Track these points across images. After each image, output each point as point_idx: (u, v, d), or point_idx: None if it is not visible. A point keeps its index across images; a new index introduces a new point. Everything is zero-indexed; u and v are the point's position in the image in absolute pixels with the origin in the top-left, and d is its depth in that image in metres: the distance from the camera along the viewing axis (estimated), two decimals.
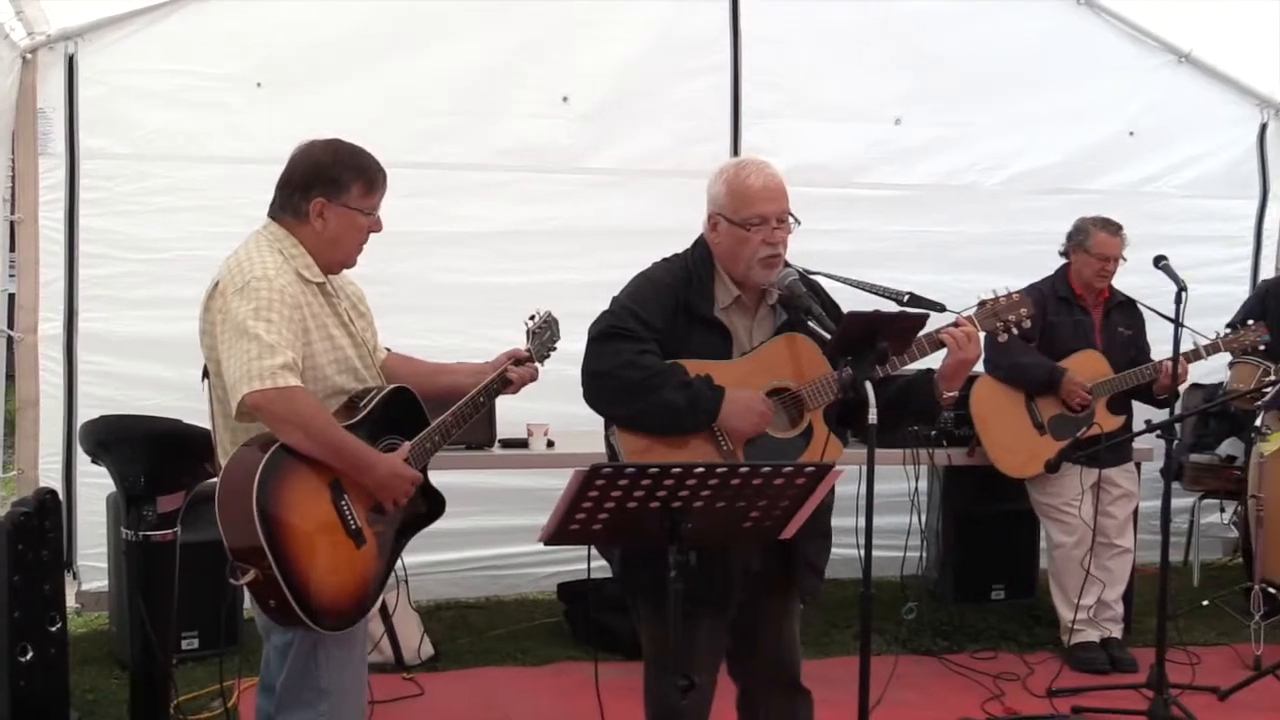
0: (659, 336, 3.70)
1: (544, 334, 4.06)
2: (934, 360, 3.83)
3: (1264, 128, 8.02)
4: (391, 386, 3.64)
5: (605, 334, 3.73)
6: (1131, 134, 7.73)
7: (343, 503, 3.42)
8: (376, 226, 3.65)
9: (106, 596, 5.95)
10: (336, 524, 3.40)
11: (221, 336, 3.38)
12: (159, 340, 6.07)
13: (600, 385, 3.70)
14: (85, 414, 5.72)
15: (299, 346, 3.38)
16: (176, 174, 6.25)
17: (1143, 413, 6.32)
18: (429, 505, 3.73)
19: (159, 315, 6.10)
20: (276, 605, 3.30)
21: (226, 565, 3.30)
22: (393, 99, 6.38)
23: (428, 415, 3.72)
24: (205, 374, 3.54)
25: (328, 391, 3.51)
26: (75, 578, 6.27)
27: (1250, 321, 6.33)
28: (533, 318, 4.08)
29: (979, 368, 6.22)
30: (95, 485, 5.89)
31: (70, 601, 5.88)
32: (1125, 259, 6.18)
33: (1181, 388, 6.35)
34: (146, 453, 4.75)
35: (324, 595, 3.34)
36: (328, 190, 3.53)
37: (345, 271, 3.80)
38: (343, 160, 3.57)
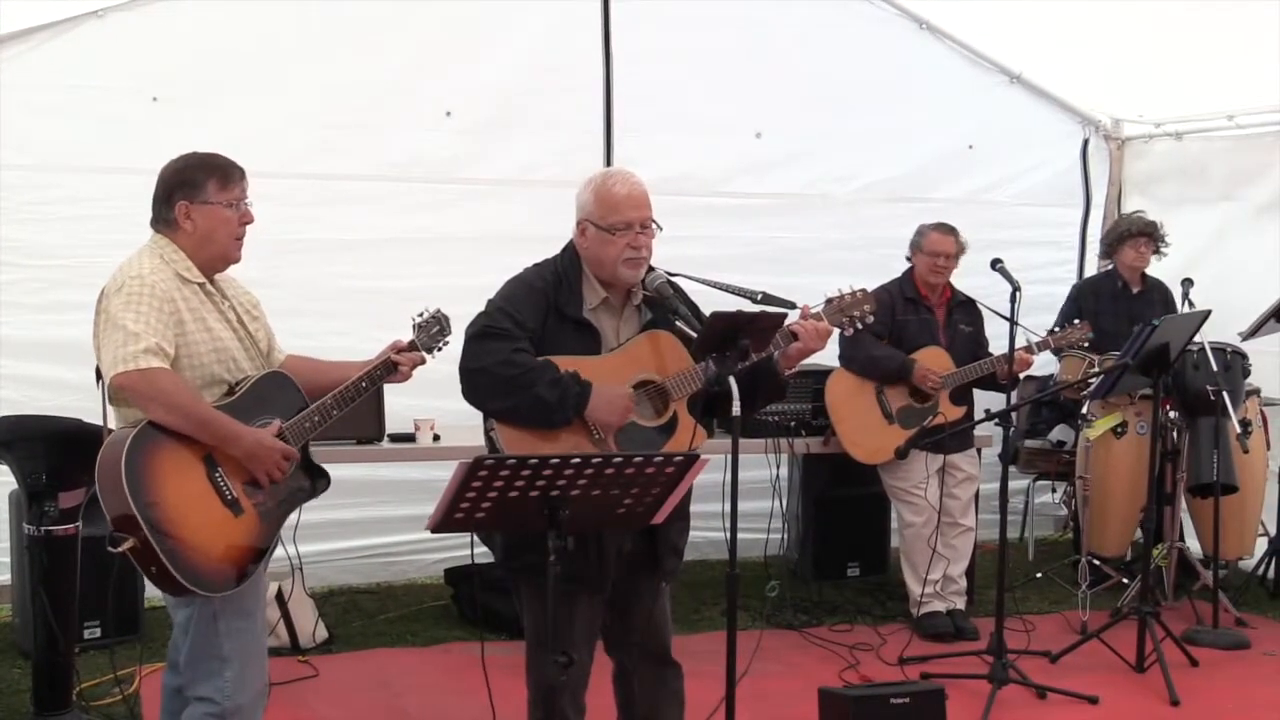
0: (532, 335, 3.70)
1: (431, 328, 4.01)
2: None
3: (1086, 143, 8.25)
4: (266, 371, 3.66)
5: (481, 334, 3.71)
6: (970, 148, 7.89)
7: (217, 475, 3.44)
8: (247, 218, 3.64)
9: (9, 589, 5.78)
10: (210, 494, 3.42)
11: (101, 331, 3.45)
12: (58, 343, 5.87)
13: (476, 381, 3.69)
14: None
15: (169, 335, 3.41)
16: (74, 184, 6.06)
17: (983, 402, 6.46)
18: (311, 480, 3.73)
19: (58, 319, 5.90)
20: (157, 572, 3.32)
21: (107, 535, 3.31)
22: (284, 114, 6.28)
23: (305, 397, 3.71)
24: (98, 375, 3.52)
25: (207, 380, 3.52)
26: None
27: (1076, 321, 6.50)
28: (421, 314, 4.05)
29: (834, 361, 6.31)
30: None
31: None
32: (957, 255, 6.32)
33: (1024, 374, 6.51)
34: (47, 451, 4.64)
35: (200, 560, 3.36)
36: (186, 192, 3.55)
37: (241, 279, 3.80)
38: (193, 163, 3.60)
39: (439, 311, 4.07)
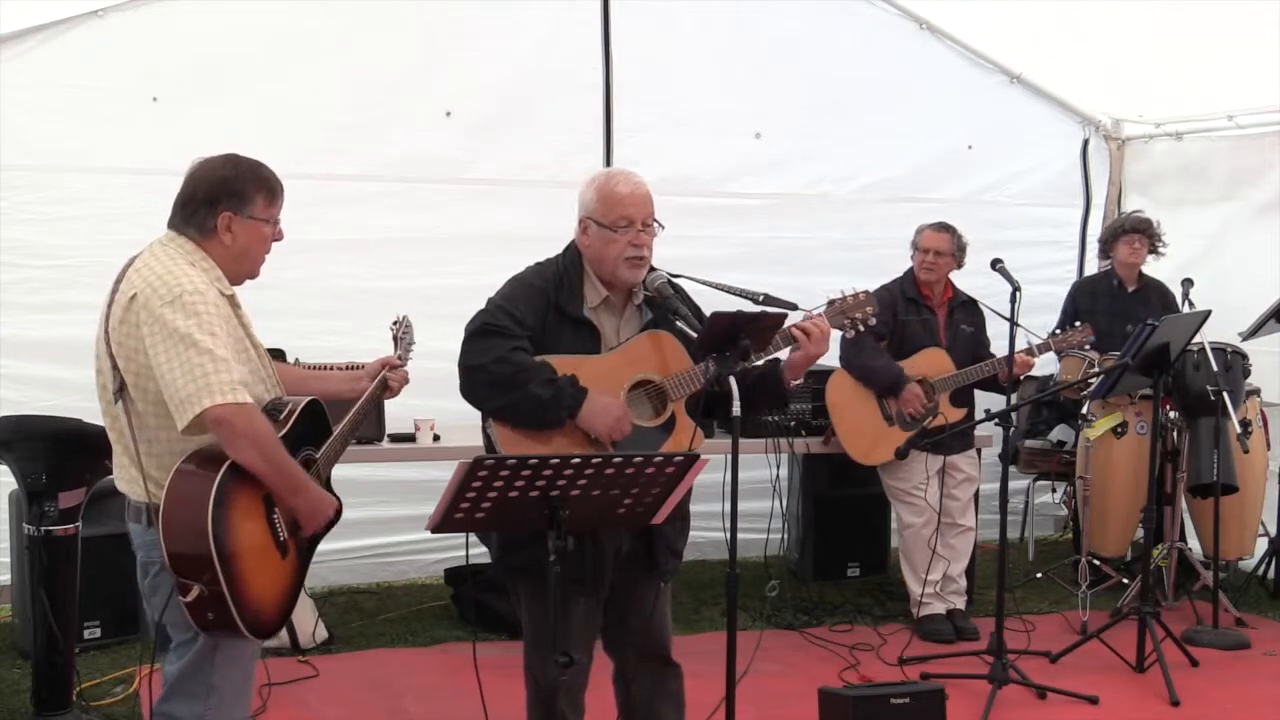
0: (531, 334, 3.70)
1: (406, 338, 4.04)
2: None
3: (1086, 143, 8.25)
4: (306, 400, 3.51)
5: (480, 331, 3.71)
6: (970, 148, 7.88)
7: (274, 516, 3.31)
8: (279, 235, 3.51)
9: (9, 589, 5.78)
10: (269, 538, 3.29)
11: (157, 347, 3.15)
12: (59, 343, 5.87)
13: (474, 379, 3.68)
14: None
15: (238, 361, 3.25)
16: (75, 185, 6.08)
17: (983, 403, 6.46)
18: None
19: (59, 319, 5.91)
20: (214, 618, 3.15)
21: (173, 584, 3.16)
22: (284, 113, 6.27)
23: (331, 425, 3.63)
24: (120, 388, 3.28)
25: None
26: None
27: (1078, 323, 6.50)
28: (396, 323, 4.04)
29: (835, 362, 6.31)
30: None
31: None
32: (952, 254, 6.33)
33: (1024, 375, 6.52)
34: (47, 451, 4.63)
35: (258, 607, 3.23)
36: (233, 204, 3.35)
37: None
38: (244, 174, 3.40)
39: (407, 319, 4.07)
